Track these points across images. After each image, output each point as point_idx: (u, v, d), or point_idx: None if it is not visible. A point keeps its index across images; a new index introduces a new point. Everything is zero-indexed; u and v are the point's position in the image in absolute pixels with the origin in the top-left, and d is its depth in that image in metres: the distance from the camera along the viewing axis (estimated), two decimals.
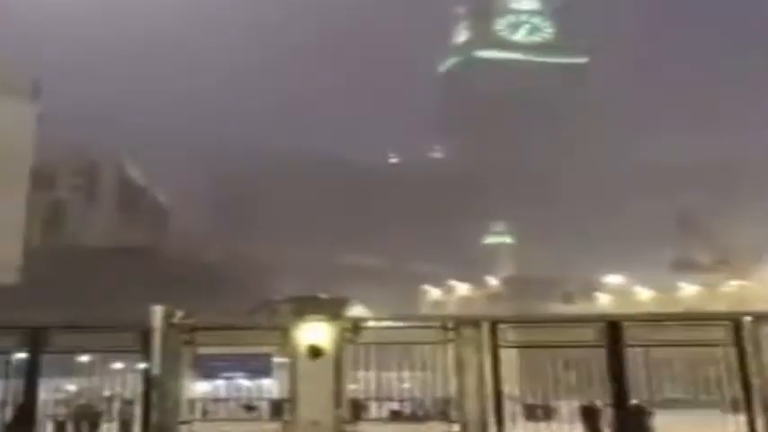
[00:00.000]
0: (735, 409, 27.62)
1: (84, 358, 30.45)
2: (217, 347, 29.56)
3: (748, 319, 28.63)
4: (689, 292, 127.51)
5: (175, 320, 29.92)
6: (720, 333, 28.43)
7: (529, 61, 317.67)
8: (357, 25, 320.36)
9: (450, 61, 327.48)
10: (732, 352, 28.19)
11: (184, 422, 28.59)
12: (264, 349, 29.51)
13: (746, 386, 27.73)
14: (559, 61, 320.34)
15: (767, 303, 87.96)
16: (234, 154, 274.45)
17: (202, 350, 29.43)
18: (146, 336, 29.44)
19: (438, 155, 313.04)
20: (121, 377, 29.82)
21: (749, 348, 28.11)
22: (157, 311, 29.86)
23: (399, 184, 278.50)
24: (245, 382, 29.27)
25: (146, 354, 29.31)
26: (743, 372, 27.94)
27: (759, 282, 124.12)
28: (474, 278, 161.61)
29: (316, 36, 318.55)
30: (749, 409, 27.40)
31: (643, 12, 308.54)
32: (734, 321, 28.59)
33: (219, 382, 29.19)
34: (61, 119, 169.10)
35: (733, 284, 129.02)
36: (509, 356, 28.92)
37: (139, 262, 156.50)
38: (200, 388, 29.21)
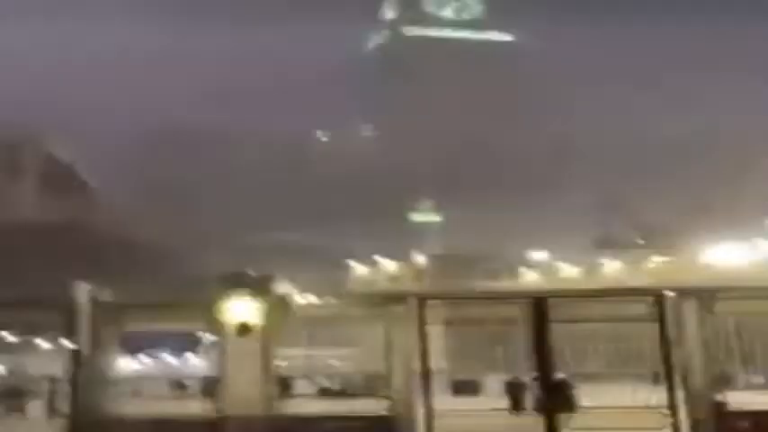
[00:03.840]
0: (655, 381, 28.18)
1: (12, 338, 30.06)
2: (144, 325, 29.36)
3: (670, 294, 29.12)
4: (612, 268, 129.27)
5: (102, 298, 29.63)
6: (643, 308, 28.87)
7: (457, 38, 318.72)
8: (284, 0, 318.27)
9: (379, 38, 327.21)
10: (654, 326, 28.64)
11: (113, 400, 28.41)
12: (192, 326, 29.40)
13: (667, 360, 28.23)
14: (487, 39, 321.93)
15: (689, 279, 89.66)
16: (163, 130, 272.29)
17: (129, 327, 29.21)
18: (72, 314, 29.07)
19: (367, 133, 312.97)
20: (48, 356, 29.46)
21: (671, 323, 28.57)
22: (84, 289, 29.55)
23: (328, 162, 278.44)
24: (172, 360, 29.20)
25: (72, 332, 28.99)
26: (664, 346, 28.42)
27: (681, 257, 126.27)
28: (401, 255, 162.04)
29: (241, 11, 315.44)
30: (669, 381, 27.95)
31: None
32: (656, 296, 29.06)
33: (148, 360, 29.06)
34: None
35: (655, 260, 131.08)
36: (437, 332, 29.10)
37: (65, 239, 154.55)
38: (128, 366, 29.01)
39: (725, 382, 27.89)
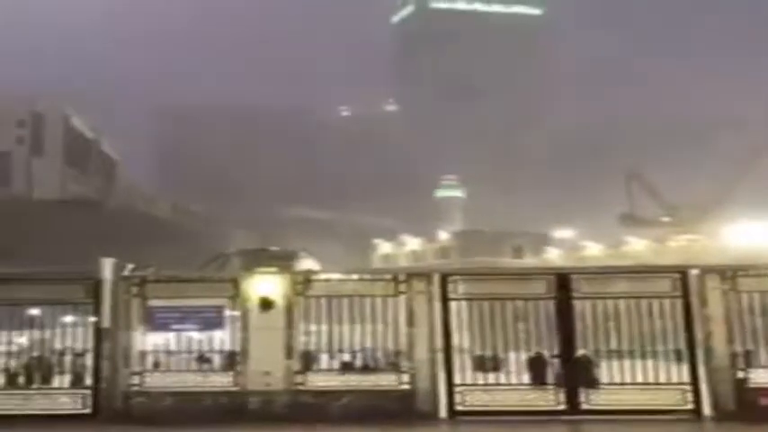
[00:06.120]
0: (678, 358, 28.19)
1: (35, 312, 30.34)
2: (168, 300, 29.57)
3: (695, 271, 29.11)
4: (637, 246, 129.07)
5: (126, 273, 29.87)
6: (667, 286, 28.88)
7: (483, 12, 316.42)
8: None
9: (404, 11, 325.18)
10: (678, 304, 28.63)
11: (136, 374, 28.68)
12: (215, 302, 29.59)
13: (690, 337, 28.27)
14: (515, 12, 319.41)
15: (714, 257, 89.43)
16: (184, 107, 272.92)
17: (153, 303, 29.44)
18: (96, 288, 29.40)
19: (391, 107, 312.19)
20: (73, 330, 29.74)
21: (695, 301, 28.56)
22: (108, 264, 29.82)
23: (351, 137, 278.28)
24: (196, 335, 29.36)
25: (96, 307, 29.30)
26: (687, 323, 28.44)
27: (706, 236, 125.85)
28: (425, 232, 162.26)
29: None
30: (692, 358, 27.98)
31: None
32: (680, 274, 29.07)
33: (171, 335, 29.23)
34: (4, 70, 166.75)
35: (681, 239, 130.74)
36: (459, 309, 29.23)
37: (88, 215, 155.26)
38: (151, 340, 29.23)
39: (747, 359, 27.89)
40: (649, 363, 28.28)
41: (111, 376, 28.67)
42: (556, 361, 28.51)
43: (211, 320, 29.26)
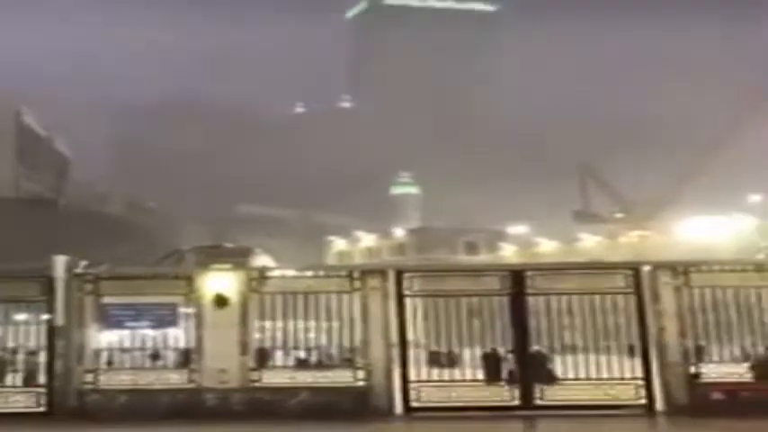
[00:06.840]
0: (631, 353, 28.46)
1: None
2: (121, 297, 29.41)
3: (647, 267, 29.39)
4: (590, 242, 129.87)
5: (79, 270, 29.65)
6: (620, 281, 29.17)
7: (437, 8, 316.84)
8: None
9: (358, 7, 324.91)
10: (631, 300, 28.90)
11: (90, 371, 28.49)
12: (170, 299, 29.47)
13: (644, 332, 28.56)
14: (468, 8, 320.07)
15: (666, 253, 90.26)
16: (136, 103, 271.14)
17: (107, 300, 29.27)
18: (49, 286, 29.20)
19: (346, 104, 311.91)
20: (26, 328, 29.50)
21: (647, 296, 28.84)
22: (61, 262, 29.59)
23: (306, 134, 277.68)
24: (150, 332, 29.21)
25: (49, 304, 29.09)
26: (641, 318, 28.72)
27: (659, 232, 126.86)
28: (380, 229, 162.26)
29: None
30: (645, 353, 28.25)
31: None
32: (633, 270, 29.36)
33: (125, 332, 29.06)
34: None
35: (633, 235, 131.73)
36: (414, 305, 29.31)
37: (40, 213, 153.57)
38: (105, 338, 29.05)
39: (699, 354, 28.21)
40: (603, 358, 28.54)
41: (65, 374, 28.52)
42: (510, 357, 28.69)
43: (165, 318, 29.15)
